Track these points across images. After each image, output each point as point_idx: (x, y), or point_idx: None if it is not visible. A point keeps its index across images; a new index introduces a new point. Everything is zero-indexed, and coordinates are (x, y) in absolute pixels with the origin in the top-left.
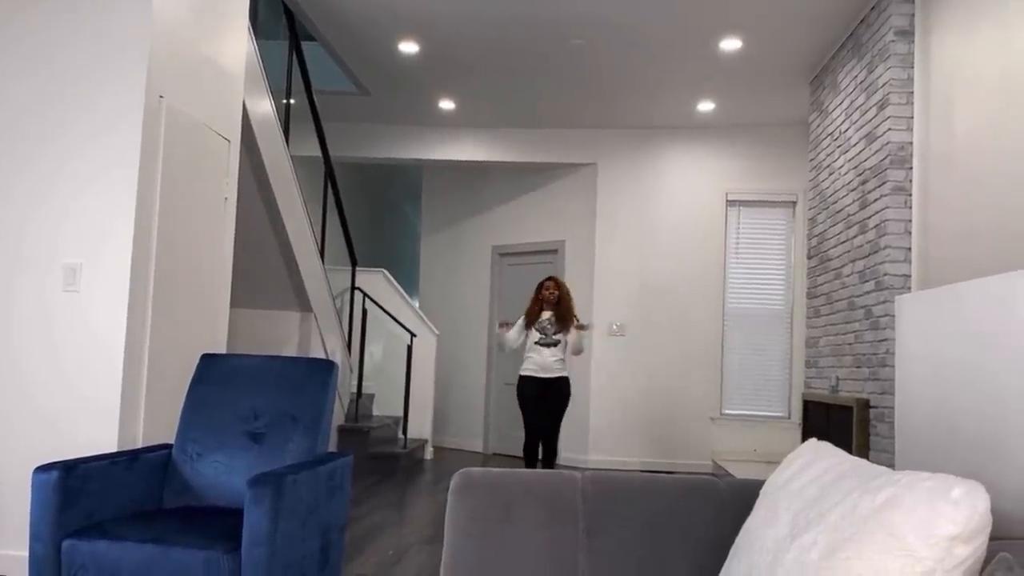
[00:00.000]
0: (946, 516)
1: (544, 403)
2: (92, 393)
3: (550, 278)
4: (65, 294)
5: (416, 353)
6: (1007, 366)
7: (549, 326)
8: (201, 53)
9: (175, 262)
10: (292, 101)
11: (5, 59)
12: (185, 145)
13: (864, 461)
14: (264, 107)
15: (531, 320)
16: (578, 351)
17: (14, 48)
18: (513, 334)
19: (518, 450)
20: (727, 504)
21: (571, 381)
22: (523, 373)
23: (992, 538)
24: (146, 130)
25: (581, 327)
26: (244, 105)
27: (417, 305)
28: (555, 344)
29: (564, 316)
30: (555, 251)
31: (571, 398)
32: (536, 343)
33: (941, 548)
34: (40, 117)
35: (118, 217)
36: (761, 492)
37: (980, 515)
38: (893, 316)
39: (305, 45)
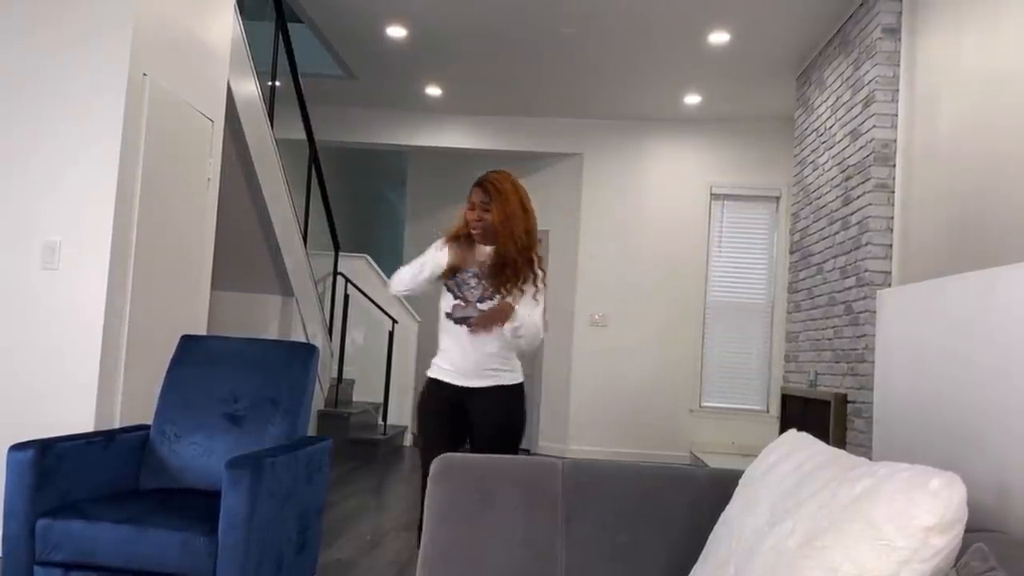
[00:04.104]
0: (923, 507)
1: (461, 435)
2: (70, 372)
3: (482, 181)
4: (43, 272)
5: (397, 339)
6: (986, 361)
7: (474, 283)
8: (186, 32)
9: (156, 242)
10: (278, 83)
11: None
12: (168, 124)
13: (843, 452)
14: (249, 88)
15: (453, 260)
16: (524, 345)
17: None
18: (404, 276)
19: None
20: (705, 493)
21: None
22: (430, 374)
23: (967, 530)
24: (129, 108)
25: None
26: (229, 85)
27: None
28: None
29: (504, 265)
30: (539, 240)
31: (525, 418)
32: (448, 315)
33: (917, 538)
34: (20, 91)
35: (99, 195)
36: (740, 482)
37: (956, 506)
38: (873, 312)
39: (292, 27)
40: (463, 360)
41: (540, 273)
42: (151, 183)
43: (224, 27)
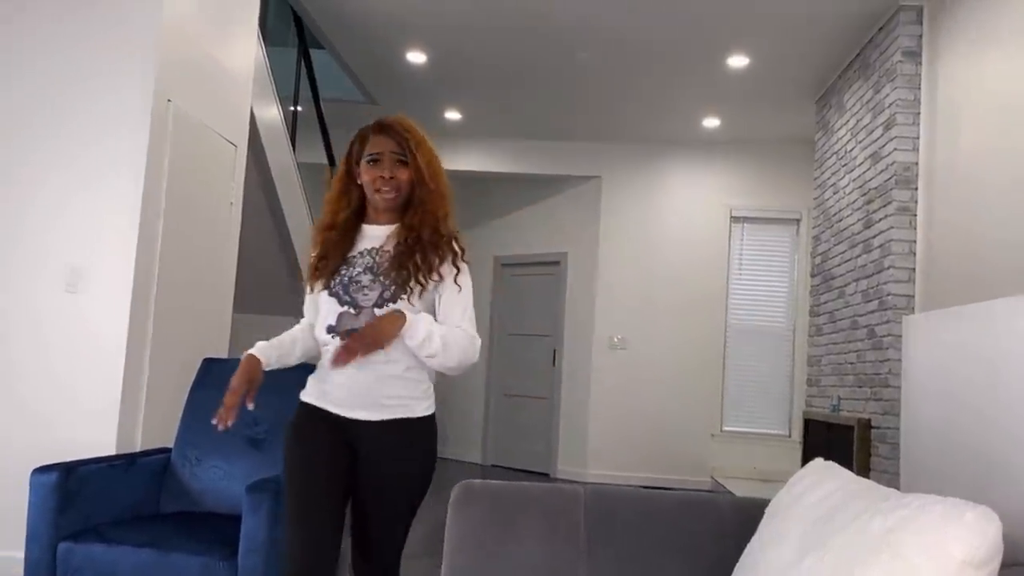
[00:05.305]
0: (957, 540)
1: (342, 482)
2: (92, 395)
3: (385, 125)
4: (67, 295)
5: None
6: (1014, 388)
7: (368, 281)
8: (210, 57)
9: (179, 265)
10: (299, 108)
11: (11, 54)
12: (192, 149)
13: (873, 483)
14: (272, 113)
15: (327, 256)
16: (453, 365)
17: (21, 43)
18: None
19: (518, 462)
20: (728, 522)
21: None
22: (303, 397)
23: (1002, 565)
24: (153, 132)
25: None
26: (252, 111)
27: None
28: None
29: (417, 250)
30: (557, 263)
31: (436, 460)
32: (331, 328)
33: (951, 573)
34: (45, 116)
35: (122, 218)
36: (766, 512)
37: (991, 541)
38: (896, 336)
39: (313, 53)
40: (349, 386)
41: (459, 251)
42: (174, 207)
43: (247, 53)
